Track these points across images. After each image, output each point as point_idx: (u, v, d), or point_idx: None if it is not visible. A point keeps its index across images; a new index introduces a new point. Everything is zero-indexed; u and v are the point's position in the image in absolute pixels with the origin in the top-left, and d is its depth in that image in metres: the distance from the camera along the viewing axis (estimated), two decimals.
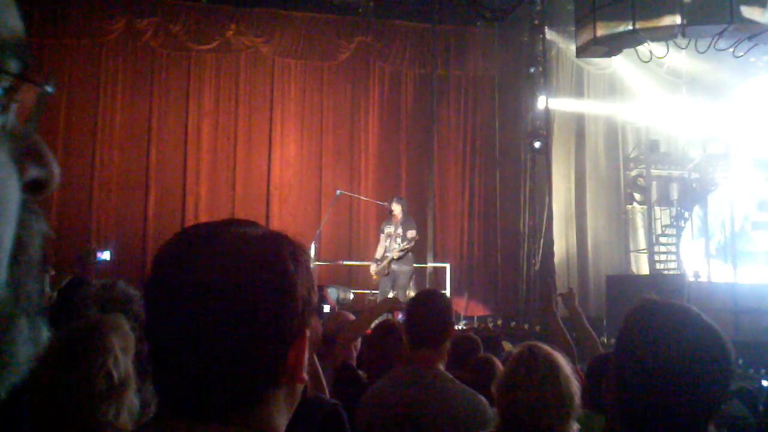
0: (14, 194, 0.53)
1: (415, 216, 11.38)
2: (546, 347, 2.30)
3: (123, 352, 1.69)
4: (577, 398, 2.18)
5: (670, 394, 1.44)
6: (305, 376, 0.95)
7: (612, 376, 1.57)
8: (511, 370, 2.26)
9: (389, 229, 9.96)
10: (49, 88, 0.57)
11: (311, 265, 0.96)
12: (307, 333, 0.94)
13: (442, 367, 2.87)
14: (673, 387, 1.43)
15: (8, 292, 0.53)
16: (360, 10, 13.33)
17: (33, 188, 0.57)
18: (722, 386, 1.48)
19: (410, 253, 9.84)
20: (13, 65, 0.53)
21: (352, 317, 4.00)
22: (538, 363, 2.20)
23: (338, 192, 11.06)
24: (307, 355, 0.96)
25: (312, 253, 10.39)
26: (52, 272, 5.82)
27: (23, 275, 0.54)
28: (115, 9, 12.62)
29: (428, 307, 2.88)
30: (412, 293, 10.09)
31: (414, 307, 2.96)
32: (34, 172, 0.56)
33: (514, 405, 2.17)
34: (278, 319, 0.89)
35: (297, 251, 0.94)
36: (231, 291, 0.87)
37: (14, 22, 0.54)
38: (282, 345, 0.91)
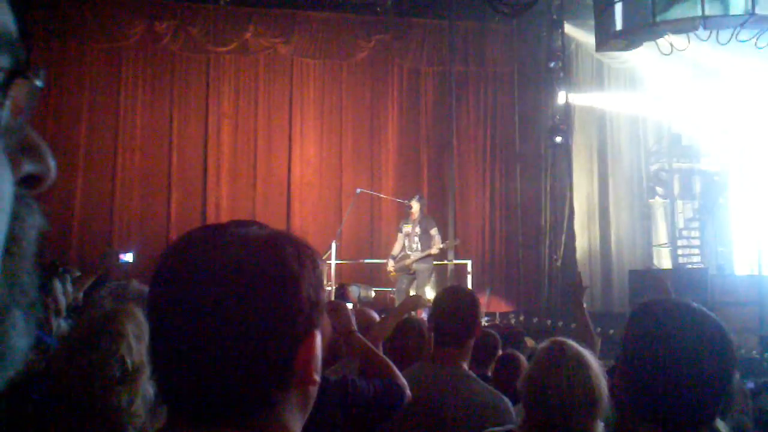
0: (7, 188, 0.53)
1: (436, 213, 11.36)
2: (574, 344, 2.27)
3: (137, 340, 1.70)
4: (606, 396, 2.16)
5: (677, 385, 1.50)
6: (317, 378, 0.93)
7: (621, 373, 1.62)
8: (539, 366, 2.23)
9: (407, 228, 9.96)
10: (39, 83, 0.58)
11: (319, 266, 0.94)
12: (317, 334, 0.93)
13: (466, 365, 2.85)
14: (679, 378, 1.50)
15: (2, 285, 0.53)
16: (378, 8, 13.32)
17: (29, 183, 0.57)
18: (726, 374, 1.53)
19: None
20: (5, 61, 0.54)
21: (375, 315, 4.01)
22: (568, 360, 2.17)
23: (358, 191, 11.06)
24: (318, 358, 0.94)
25: (333, 251, 10.43)
26: (77, 273, 5.87)
27: (17, 268, 0.55)
28: (134, 13, 12.71)
29: (453, 305, 2.86)
30: (431, 291, 10.10)
31: (439, 304, 2.94)
32: (28, 167, 0.57)
33: (543, 402, 2.15)
34: (283, 318, 0.88)
35: (301, 251, 0.93)
36: (233, 292, 0.86)
37: (5, 18, 0.55)
38: (289, 345, 0.89)
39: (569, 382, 2.13)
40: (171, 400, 0.92)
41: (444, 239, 10.23)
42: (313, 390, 0.96)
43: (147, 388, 1.68)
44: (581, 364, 2.17)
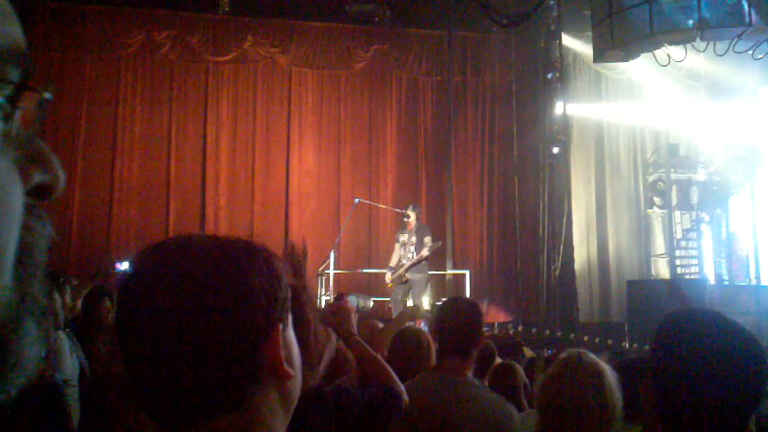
0: (17, 199, 0.54)
1: (435, 223, 11.37)
2: (592, 356, 2.31)
3: None
4: (619, 409, 2.18)
5: (709, 395, 1.50)
6: (290, 370, 0.93)
7: (650, 382, 1.62)
8: (556, 373, 2.27)
9: (403, 237, 9.94)
10: (48, 95, 0.59)
11: (274, 263, 0.95)
12: (282, 328, 0.93)
13: (470, 374, 2.85)
14: (710, 388, 1.50)
15: (14, 294, 0.54)
16: (376, 18, 13.36)
17: (38, 193, 0.58)
18: (759, 384, 1.54)
19: (425, 261, 9.80)
20: (14, 74, 0.54)
21: (381, 324, 4.03)
22: (584, 370, 2.21)
23: (357, 200, 11.07)
24: (291, 351, 0.95)
25: (331, 261, 10.42)
26: (75, 282, 5.86)
27: (28, 277, 0.55)
28: (133, 23, 12.76)
29: (457, 315, 2.86)
30: (428, 301, 10.09)
31: (443, 315, 2.95)
32: (38, 177, 0.57)
33: (556, 408, 2.19)
34: (238, 313, 0.89)
35: (252, 249, 0.94)
36: (186, 294, 0.88)
37: (14, 31, 0.55)
38: (250, 339, 0.89)
39: (583, 391, 2.16)
40: (151, 411, 0.92)
41: (441, 247, 10.24)
42: (292, 386, 0.96)
43: None
44: (597, 374, 2.20)
